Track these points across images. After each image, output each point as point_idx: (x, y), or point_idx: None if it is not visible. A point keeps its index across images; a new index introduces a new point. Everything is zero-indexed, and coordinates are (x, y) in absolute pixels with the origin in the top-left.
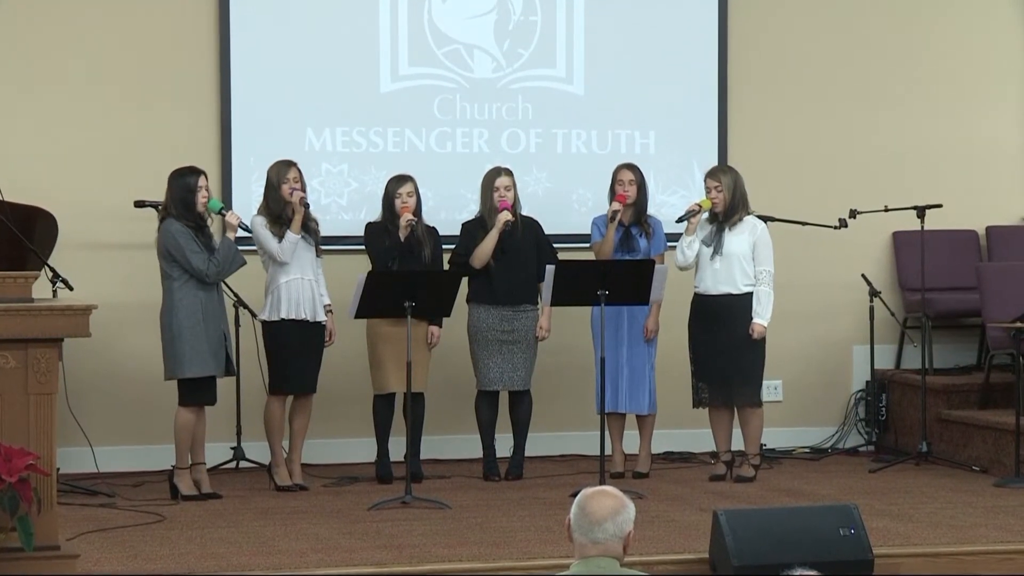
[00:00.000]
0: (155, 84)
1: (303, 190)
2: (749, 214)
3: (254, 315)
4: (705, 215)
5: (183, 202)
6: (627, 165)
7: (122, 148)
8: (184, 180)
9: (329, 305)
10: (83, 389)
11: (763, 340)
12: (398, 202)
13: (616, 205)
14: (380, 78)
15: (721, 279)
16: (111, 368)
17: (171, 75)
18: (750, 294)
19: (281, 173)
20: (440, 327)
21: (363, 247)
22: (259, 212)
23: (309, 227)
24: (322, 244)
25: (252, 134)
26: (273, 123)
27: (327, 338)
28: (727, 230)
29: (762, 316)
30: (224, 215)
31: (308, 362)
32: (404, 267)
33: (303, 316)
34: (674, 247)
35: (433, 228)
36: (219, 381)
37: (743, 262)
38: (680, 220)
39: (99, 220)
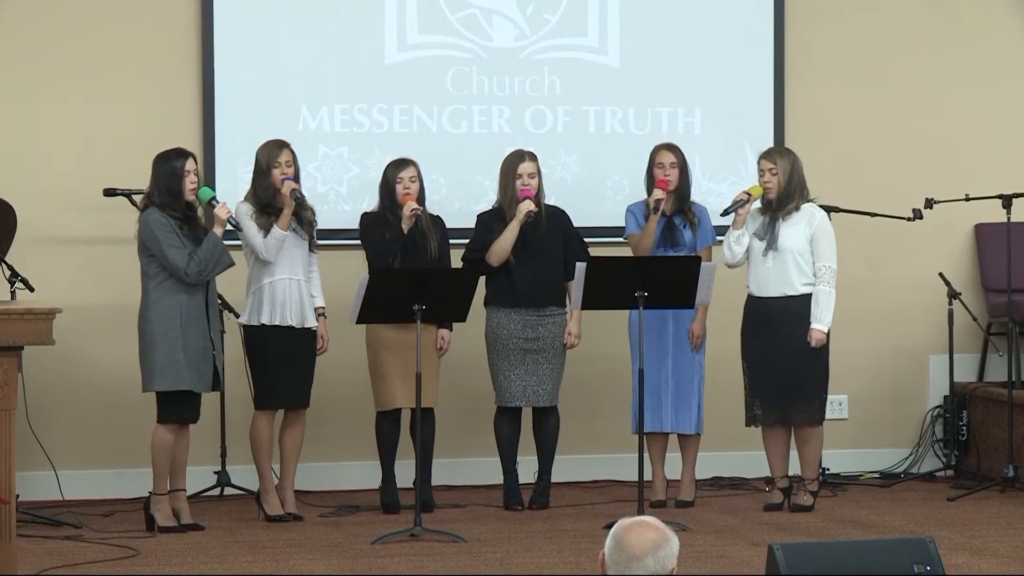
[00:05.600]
0: (127, 55)
1: (296, 177)
2: (808, 202)
3: (237, 316)
4: (756, 204)
5: (168, 189)
6: (667, 145)
7: (89, 128)
8: (170, 164)
9: (321, 308)
10: (46, 405)
11: (825, 349)
12: (399, 188)
13: (658, 192)
14: (385, 48)
15: (775, 279)
16: (78, 381)
17: (146, 45)
18: (810, 295)
19: (272, 155)
20: (451, 330)
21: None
22: (246, 199)
23: (303, 217)
24: (319, 238)
25: (239, 112)
26: (263, 100)
27: (319, 345)
28: (781, 221)
29: (821, 320)
30: (214, 206)
31: (297, 373)
32: (407, 263)
33: (288, 322)
34: (723, 241)
35: (438, 217)
36: (203, 396)
37: (799, 258)
38: (726, 212)
39: (63, 211)
